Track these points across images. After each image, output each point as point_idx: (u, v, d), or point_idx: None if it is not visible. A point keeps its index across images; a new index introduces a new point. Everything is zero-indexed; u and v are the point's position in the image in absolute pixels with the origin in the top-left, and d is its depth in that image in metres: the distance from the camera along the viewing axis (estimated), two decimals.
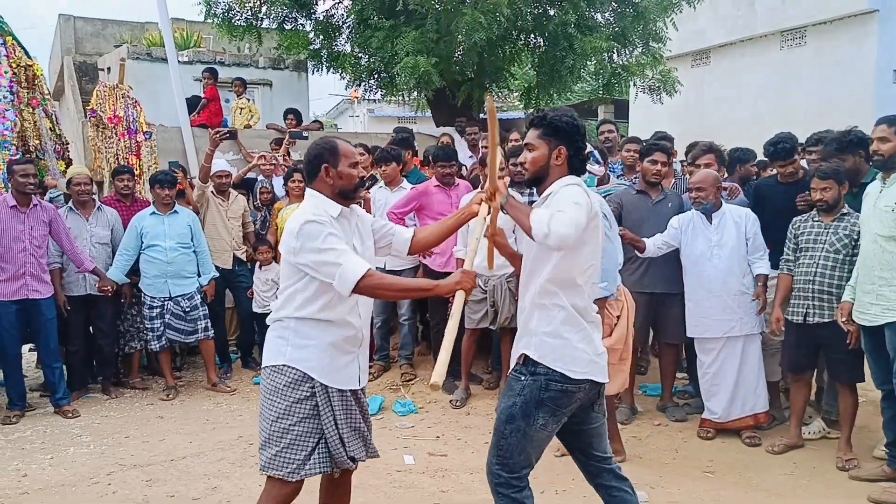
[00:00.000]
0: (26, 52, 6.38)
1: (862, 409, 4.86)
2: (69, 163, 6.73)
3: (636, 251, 4.68)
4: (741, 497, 3.84)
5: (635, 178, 5.31)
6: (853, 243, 4.12)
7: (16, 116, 6.12)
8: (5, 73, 6.07)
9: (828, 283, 4.17)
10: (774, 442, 4.47)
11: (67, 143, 6.95)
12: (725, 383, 4.56)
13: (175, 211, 5.77)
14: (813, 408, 4.90)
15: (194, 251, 5.80)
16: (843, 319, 4.00)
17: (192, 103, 8.93)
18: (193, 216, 5.93)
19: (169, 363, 5.90)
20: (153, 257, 5.65)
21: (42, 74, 6.54)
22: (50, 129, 6.76)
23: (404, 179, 6.16)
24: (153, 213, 5.72)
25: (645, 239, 4.67)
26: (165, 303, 5.67)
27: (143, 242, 5.65)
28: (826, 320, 4.18)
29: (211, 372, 5.96)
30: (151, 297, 5.69)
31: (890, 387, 3.89)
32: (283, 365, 2.71)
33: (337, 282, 2.57)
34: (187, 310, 5.69)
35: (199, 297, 5.79)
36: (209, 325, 5.83)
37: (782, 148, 4.71)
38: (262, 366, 2.80)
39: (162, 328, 5.68)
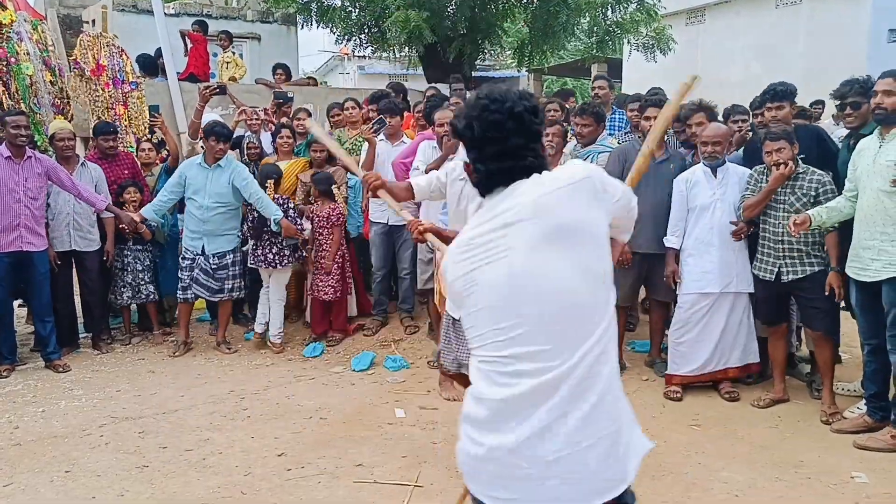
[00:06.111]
0: None
1: (846, 367, 4.94)
2: (71, 118, 6.61)
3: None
4: (727, 449, 3.90)
5: (640, 136, 5.29)
6: (812, 201, 4.18)
7: None
8: None
9: (797, 241, 4.23)
10: (760, 396, 4.54)
11: (69, 98, 6.82)
12: (710, 338, 4.60)
13: (220, 165, 5.58)
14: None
15: (237, 208, 5.70)
16: (798, 222, 3.94)
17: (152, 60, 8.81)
18: (237, 171, 5.61)
19: (188, 316, 5.86)
20: (191, 212, 5.61)
21: (13, 22, 6.31)
22: (50, 82, 6.61)
23: (404, 134, 6.12)
24: (200, 163, 5.59)
25: (672, 242, 4.70)
26: (198, 257, 5.63)
27: (185, 189, 5.57)
28: (800, 276, 4.26)
29: (222, 332, 5.92)
30: (186, 249, 5.67)
31: (876, 342, 3.93)
32: None
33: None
34: (215, 267, 5.61)
35: (232, 256, 5.68)
36: (236, 286, 5.76)
37: (781, 90, 4.62)
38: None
39: (188, 281, 5.64)
